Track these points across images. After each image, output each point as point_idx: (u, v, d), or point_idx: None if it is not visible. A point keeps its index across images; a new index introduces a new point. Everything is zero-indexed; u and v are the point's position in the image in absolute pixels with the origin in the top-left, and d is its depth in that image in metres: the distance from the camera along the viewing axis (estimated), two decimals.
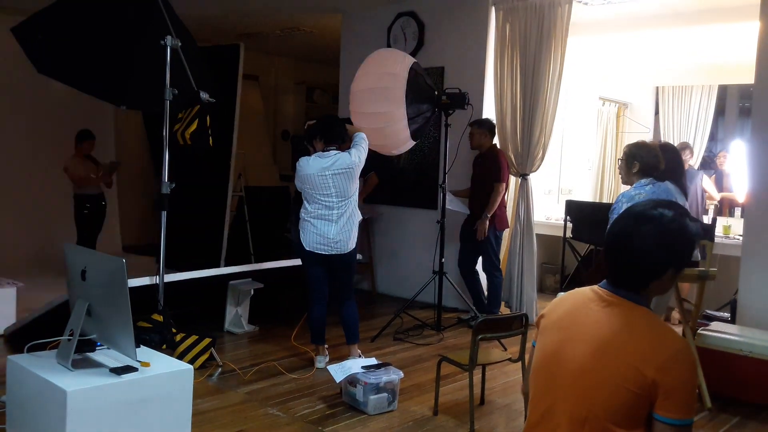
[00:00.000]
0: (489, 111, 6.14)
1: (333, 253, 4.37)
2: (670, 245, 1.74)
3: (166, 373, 2.78)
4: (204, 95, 4.42)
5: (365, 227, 6.82)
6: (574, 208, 6.42)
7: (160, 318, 4.28)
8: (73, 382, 2.56)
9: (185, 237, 7.30)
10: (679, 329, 4.61)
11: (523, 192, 6.00)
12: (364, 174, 5.16)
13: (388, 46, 6.77)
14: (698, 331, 4.30)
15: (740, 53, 6.50)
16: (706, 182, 6.63)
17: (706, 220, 6.49)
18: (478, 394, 3.99)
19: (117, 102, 4.78)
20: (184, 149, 4.89)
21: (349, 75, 6.45)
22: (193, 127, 4.49)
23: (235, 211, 7.80)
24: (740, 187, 6.67)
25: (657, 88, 9.03)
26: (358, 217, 4.50)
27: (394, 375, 3.84)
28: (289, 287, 6.48)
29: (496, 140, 5.82)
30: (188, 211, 7.21)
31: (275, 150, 10.32)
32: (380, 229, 7.03)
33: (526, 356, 3.57)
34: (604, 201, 8.07)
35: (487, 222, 5.55)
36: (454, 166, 5.81)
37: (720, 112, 9.05)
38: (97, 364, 2.76)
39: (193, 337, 4.36)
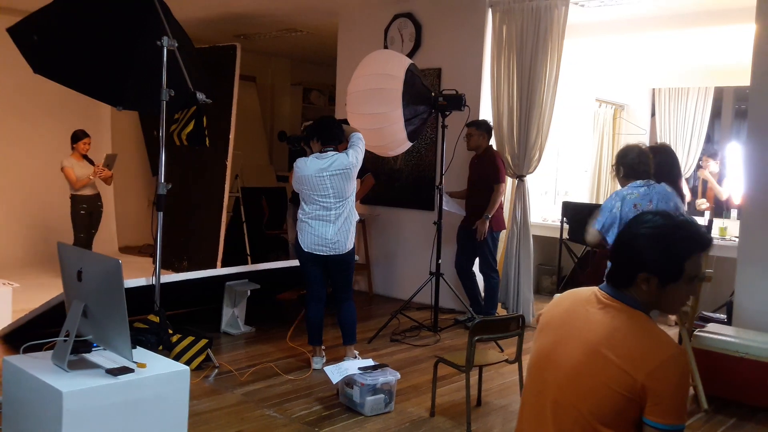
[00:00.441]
0: (486, 112, 6.14)
1: (330, 253, 4.37)
2: (658, 246, 1.75)
3: (163, 374, 2.77)
4: (200, 96, 4.42)
5: (362, 228, 6.82)
6: (571, 210, 6.43)
7: (156, 319, 4.27)
8: (69, 383, 2.55)
9: (182, 238, 7.31)
10: (675, 331, 4.62)
11: (520, 193, 6.00)
12: (360, 175, 5.17)
13: (385, 47, 6.77)
14: (694, 333, 4.30)
15: (736, 55, 6.53)
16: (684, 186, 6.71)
17: (704, 221, 6.51)
18: (475, 396, 3.99)
19: (114, 103, 4.77)
20: (181, 150, 4.90)
21: (345, 76, 6.46)
22: (190, 128, 4.49)
23: (231, 211, 7.80)
24: (736, 189, 6.69)
25: (653, 89, 9.06)
26: (356, 217, 4.50)
27: (390, 376, 3.84)
28: (287, 288, 6.49)
29: (492, 142, 5.82)
30: (185, 212, 7.22)
31: (272, 151, 10.32)
32: (377, 230, 7.03)
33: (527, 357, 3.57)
34: (601, 202, 8.07)
35: (487, 223, 5.55)
36: (450, 168, 5.82)
37: (716, 114, 9.08)
38: (93, 365, 2.75)
39: (190, 338, 4.35)
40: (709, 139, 9.06)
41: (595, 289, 1.88)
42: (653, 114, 9.16)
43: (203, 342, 4.37)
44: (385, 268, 6.98)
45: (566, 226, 6.51)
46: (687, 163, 8.98)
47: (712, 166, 7.17)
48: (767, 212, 4.64)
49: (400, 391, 4.01)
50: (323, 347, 4.63)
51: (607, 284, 1.85)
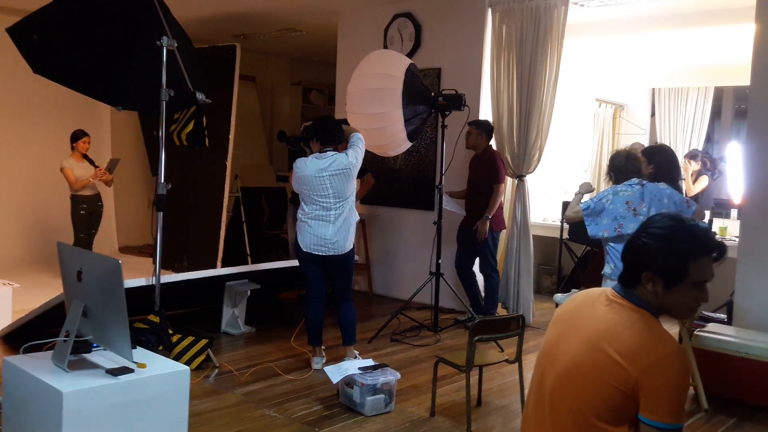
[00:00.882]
0: (485, 112, 6.14)
1: (330, 254, 4.37)
2: (662, 247, 1.76)
3: (163, 375, 2.77)
4: (200, 96, 4.42)
5: (362, 228, 6.82)
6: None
7: (156, 319, 4.27)
8: (69, 384, 2.55)
9: (182, 238, 7.30)
10: (675, 330, 4.62)
11: (520, 193, 6.00)
12: (360, 175, 5.17)
13: (385, 47, 6.77)
14: (695, 333, 4.30)
15: (736, 55, 6.53)
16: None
17: (704, 221, 6.50)
18: (475, 396, 3.99)
19: (113, 102, 4.77)
20: (181, 150, 4.89)
21: (345, 76, 6.45)
22: (189, 127, 4.49)
23: (231, 212, 7.79)
24: (736, 189, 6.70)
25: (653, 89, 9.06)
26: (356, 218, 4.50)
27: (390, 376, 3.83)
28: (287, 288, 6.49)
29: (492, 142, 5.81)
30: (185, 212, 7.21)
31: (272, 151, 10.31)
32: (377, 230, 7.03)
33: None
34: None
35: (487, 223, 5.55)
36: (450, 168, 5.82)
37: (716, 113, 9.09)
38: (93, 366, 2.75)
39: (190, 338, 4.35)
40: (709, 138, 9.07)
41: (607, 289, 1.91)
42: (653, 114, 9.17)
43: (203, 342, 4.37)
44: (385, 268, 6.98)
45: (566, 226, 6.51)
46: None
47: (693, 165, 7.22)
48: (767, 212, 4.64)
49: (400, 391, 4.00)
50: (323, 347, 4.63)
51: (618, 283, 1.87)
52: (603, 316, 1.82)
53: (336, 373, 3.82)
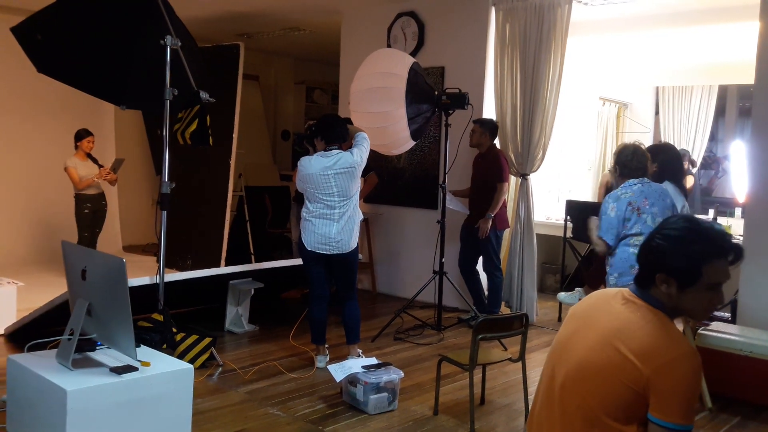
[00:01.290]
0: (489, 111, 6.14)
1: (334, 252, 4.37)
2: (676, 248, 1.76)
3: (167, 373, 2.78)
4: (204, 95, 4.42)
5: (365, 227, 6.82)
6: (575, 208, 6.42)
7: (160, 317, 4.28)
8: (73, 382, 2.56)
9: (186, 237, 7.32)
10: (679, 329, 4.61)
11: (524, 192, 6.00)
12: (364, 174, 5.16)
13: (388, 46, 6.77)
14: (698, 331, 4.30)
15: (740, 53, 6.50)
16: None
17: (708, 220, 6.49)
18: (479, 394, 3.99)
19: (117, 102, 4.78)
20: (185, 149, 4.90)
21: (349, 75, 6.46)
22: (193, 126, 4.49)
23: (235, 210, 7.80)
24: (740, 187, 6.69)
25: (657, 88, 9.03)
26: (359, 217, 4.50)
27: (394, 375, 3.84)
28: (290, 286, 6.49)
29: (496, 141, 5.81)
30: (188, 211, 7.23)
31: (275, 150, 10.32)
32: (380, 229, 7.03)
33: None
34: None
35: (490, 222, 5.55)
36: (454, 166, 5.82)
37: (720, 112, 9.06)
38: (97, 364, 2.76)
39: (194, 337, 4.36)
40: (713, 137, 9.04)
41: (624, 288, 1.91)
42: (657, 112, 9.14)
43: (207, 340, 4.38)
44: (389, 267, 6.98)
45: (570, 225, 6.50)
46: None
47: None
48: None
49: (403, 390, 4.01)
50: (327, 346, 4.63)
51: (634, 283, 1.88)
52: (618, 315, 1.82)
53: (339, 371, 3.82)
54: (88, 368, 2.72)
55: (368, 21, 7.04)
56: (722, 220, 6.59)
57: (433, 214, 6.19)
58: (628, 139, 8.18)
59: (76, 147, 6.56)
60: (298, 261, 4.80)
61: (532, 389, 4.06)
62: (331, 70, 8.41)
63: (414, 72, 5.09)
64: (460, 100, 5.32)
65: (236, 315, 5.32)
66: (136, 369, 2.71)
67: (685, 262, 1.74)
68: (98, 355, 2.85)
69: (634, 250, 3.72)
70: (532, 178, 6.02)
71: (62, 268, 3.04)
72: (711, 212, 6.85)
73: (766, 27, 4.67)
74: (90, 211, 6.57)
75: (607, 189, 6.97)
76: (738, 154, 7.99)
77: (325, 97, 10.47)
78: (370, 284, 7.04)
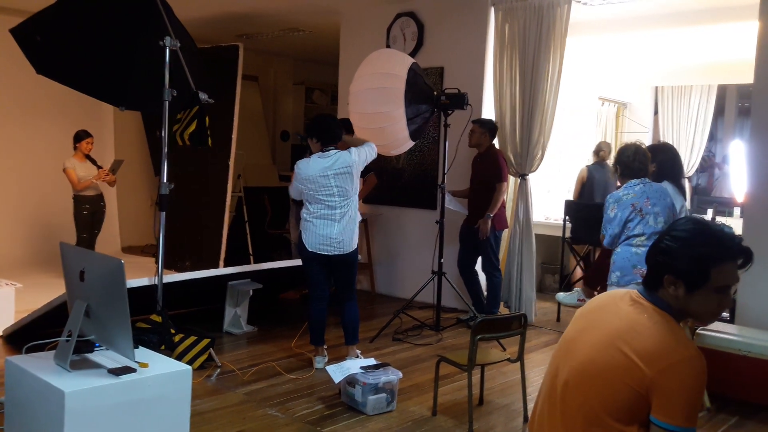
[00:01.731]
0: (488, 111, 6.14)
1: (335, 253, 4.37)
2: (684, 250, 1.75)
3: (165, 374, 2.78)
4: (203, 96, 4.42)
5: (364, 227, 6.82)
6: (574, 209, 6.42)
7: (158, 319, 4.28)
8: (71, 383, 2.55)
9: (184, 238, 7.32)
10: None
11: (522, 192, 6.00)
12: (363, 174, 5.16)
13: (388, 46, 6.77)
14: (697, 331, 4.30)
15: (739, 53, 6.51)
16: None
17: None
18: (477, 395, 3.99)
19: (116, 103, 4.78)
20: (184, 150, 4.90)
21: (348, 75, 6.46)
22: (192, 127, 4.49)
23: (234, 211, 7.80)
24: (739, 187, 6.69)
25: (656, 88, 9.04)
26: (358, 218, 4.50)
27: (392, 375, 3.84)
28: (289, 287, 6.49)
29: (495, 141, 5.81)
30: (187, 212, 7.23)
31: (274, 150, 10.32)
32: (379, 230, 7.03)
33: None
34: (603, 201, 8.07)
35: (489, 222, 5.55)
36: (453, 167, 5.82)
37: (719, 111, 9.07)
38: (95, 365, 2.76)
39: (192, 338, 4.35)
40: (712, 136, 9.05)
41: (632, 290, 1.91)
42: (656, 112, 9.15)
43: (205, 342, 4.38)
44: (388, 268, 6.98)
45: (569, 225, 6.50)
46: (690, 162, 8.97)
47: None
48: None
49: (402, 390, 4.01)
50: (325, 346, 4.63)
51: (642, 284, 1.88)
52: (625, 316, 1.81)
53: (338, 372, 3.82)
54: (86, 370, 2.71)
55: (367, 21, 7.04)
56: (721, 220, 6.58)
57: (432, 214, 6.19)
58: (628, 138, 8.19)
59: (75, 148, 6.56)
60: (297, 262, 4.80)
61: (531, 390, 4.07)
62: (331, 71, 8.41)
63: (413, 72, 5.09)
64: (459, 101, 5.32)
65: (235, 316, 5.32)
66: (134, 370, 2.70)
67: (693, 265, 1.73)
68: (96, 356, 2.85)
69: (637, 250, 3.72)
70: (531, 178, 6.02)
71: (60, 270, 3.03)
72: (710, 212, 6.85)
73: (765, 26, 4.67)
74: (89, 213, 6.57)
75: (582, 184, 7.01)
76: (737, 154, 7.99)
77: (325, 98, 10.46)
78: (369, 285, 7.04)
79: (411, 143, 5.29)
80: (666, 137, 8.97)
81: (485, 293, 5.89)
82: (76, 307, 2.80)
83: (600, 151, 7.05)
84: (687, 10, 5.99)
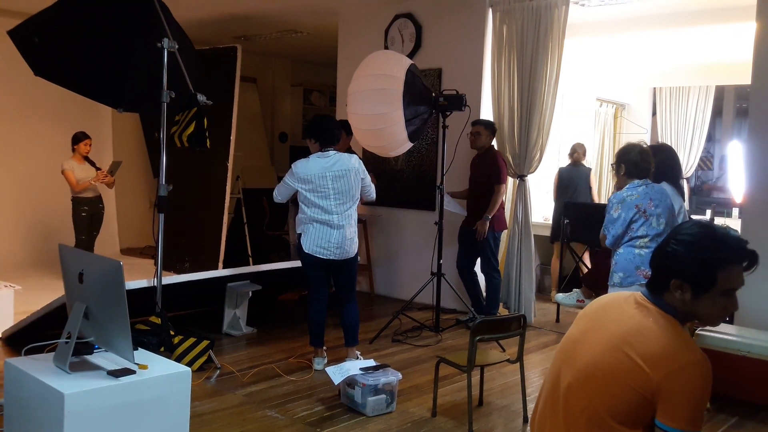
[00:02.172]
0: (486, 112, 6.14)
1: (334, 258, 4.36)
2: (692, 254, 1.74)
3: (164, 376, 2.77)
4: (201, 98, 4.42)
5: (363, 229, 6.82)
6: (572, 210, 6.43)
7: (158, 320, 4.27)
8: (70, 385, 2.55)
9: (183, 239, 7.31)
10: None
11: (521, 193, 6.00)
12: None
13: (386, 47, 6.77)
14: (696, 332, 4.30)
15: (737, 54, 6.52)
16: (593, 179, 7.09)
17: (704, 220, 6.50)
18: (477, 396, 3.98)
19: (114, 104, 4.78)
20: (182, 152, 4.89)
21: (346, 77, 6.46)
22: (191, 129, 4.49)
23: (232, 213, 7.80)
24: (738, 188, 6.71)
25: (654, 89, 9.06)
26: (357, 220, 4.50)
27: (392, 376, 3.84)
28: (288, 289, 6.49)
29: (493, 142, 5.82)
30: (186, 214, 7.22)
31: (273, 152, 10.32)
32: (378, 231, 7.03)
33: None
34: (602, 202, 8.08)
35: (487, 224, 5.55)
36: (451, 168, 5.82)
37: (717, 112, 9.10)
38: (94, 367, 2.76)
39: (191, 340, 4.35)
40: (710, 137, 9.07)
41: (637, 292, 1.90)
42: (654, 113, 9.17)
43: (205, 343, 4.37)
44: (387, 269, 6.98)
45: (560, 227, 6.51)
46: (688, 163, 8.98)
47: None
48: None
49: (401, 392, 4.01)
50: (325, 348, 4.63)
51: (646, 287, 1.86)
52: (630, 319, 1.80)
53: (337, 373, 3.82)
54: (86, 371, 2.71)
55: (365, 23, 7.04)
56: (719, 221, 6.59)
57: (431, 215, 6.19)
58: (626, 139, 8.20)
59: (74, 150, 6.56)
60: (296, 263, 4.80)
61: (531, 390, 4.08)
62: (329, 72, 8.42)
63: (411, 74, 5.09)
64: (457, 102, 5.32)
65: (234, 317, 5.32)
66: (133, 372, 2.70)
67: (700, 269, 1.73)
68: (96, 358, 2.84)
69: (640, 252, 3.72)
70: (530, 179, 6.03)
71: (59, 272, 3.03)
72: (708, 212, 6.86)
73: (762, 27, 4.67)
74: (87, 214, 6.57)
75: (556, 186, 7.05)
76: (735, 155, 8.01)
77: (323, 99, 10.47)
78: (368, 286, 7.04)
79: (409, 144, 5.30)
80: (664, 138, 8.98)
81: (484, 294, 5.89)
82: (75, 309, 2.80)
83: (574, 153, 7.08)
84: (685, 11, 6.00)
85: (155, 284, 4.37)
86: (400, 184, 6.82)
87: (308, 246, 4.34)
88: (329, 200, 4.29)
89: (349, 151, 5.47)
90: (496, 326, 3.67)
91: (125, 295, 2.61)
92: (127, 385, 2.65)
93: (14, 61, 4.85)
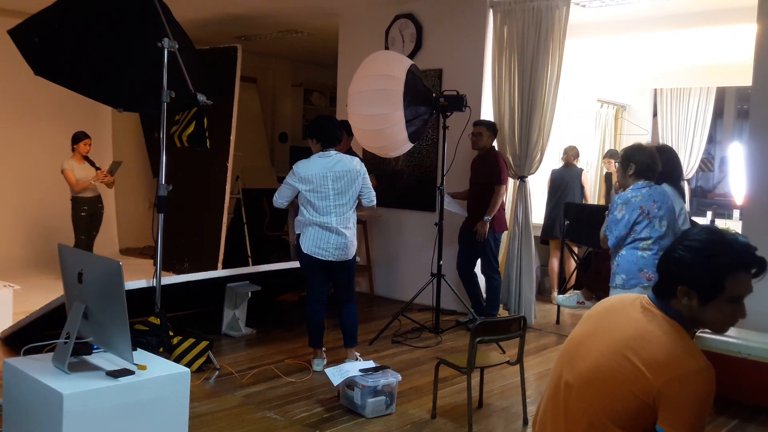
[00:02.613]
0: (487, 113, 6.14)
1: (331, 259, 4.35)
2: (699, 260, 1.72)
3: (163, 376, 2.77)
4: (201, 97, 4.41)
5: (363, 229, 6.81)
6: (573, 211, 6.42)
7: (157, 321, 4.26)
8: (69, 385, 2.54)
9: (183, 239, 7.30)
10: None
11: (522, 194, 6.00)
12: None
13: (386, 48, 6.76)
14: (697, 334, 4.29)
15: (738, 55, 6.52)
16: (584, 179, 7.07)
17: (706, 222, 6.49)
18: (476, 397, 3.98)
19: (114, 104, 4.77)
20: (182, 152, 4.89)
21: (346, 77, 6.45)
22: (191, 129, 4.48)
23: (232, 213, 7.79)
24: (738, 189, 6.70)
25: (655, 90, 9.06)
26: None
27: (392, 378, 3.83)
28: (288, 289, 6.48)
29: (494, 143, 5.81)
30: (186, 214, 7.22)
31: (273, 152, 10.32)
32: (378, 232, 7.02)
33: None
34: (602, 203, 8.08)
35: (487, 225, 5.54)
36: (451, 169, 5.81)
37: (718, 114, 9.10)
38: (93, 367, 2.75)
39: (190, 340, 4.34)
40: (711, 139, 9.07)
41: (642, 296, 1.88)
42: (655, 114, 9.17)
43: (204, 344, 4.36)
44: (387, 270, 6.97)
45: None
46: (689, 164, 8.98)
47: (614, 165, 7.31)
48: None
49: (401, 393, 4.00)
50: (324, 349, 4.62)
51: (652, 292, 1.84)
52: (635, 323, 1.78)
53: (337, 375, 3.81)
54: (85, 372, 2.70)
55: (366, 23, 7.04)
56: (720, 222, 6.59)
57: (431, 216, 6.18)
58: (627, 140, 8.21)
59: (73, 150, 6.55)
60: (296, 264, 4.79)
61: (530, 392, 4.07)
62: (329, 73, 8.41)
63: (412, 74, 5.09)
64: (457, 103, 5.32)
65: (233, 318, 5.31)
66: (132, 372, 2.70)
67: (707, 276, 1.70)
68: (95, 358, 2.84)
69: (643, 254, 3.71)
70: (531, 180, 6.02)
71: (59, 272, 3.02)
72: (709, 214, 6.86)
73: (763, 29, 4.67)
74: (87, 214, 6.56)
75: (549, 186, 7.08)
76: (736, 156, 8.01)
77: (323, 100, 10.47)
78: (368, 287, 7.03)
79: (410, 145, 5.29)
80: (665, 139, 8.98)
81: (484, 295, 5.88)
82: (74, 309, 2.79)
83: (565, 154, 7.09)
84: (686, 13, 6.00)
85: (154, 284, 4.37)
86: (401, 184, 6.81)
87: (307, 247, 4.34)
88: (328, 201, 4.29)
89: (350, 152, 5.47)
90: (496, 328, 3.66)
91: (124, 296, 2.61)
92: (126, 385, 2.65)
93: (14, 61, 4.84)
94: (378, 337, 5.28)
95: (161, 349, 4.07)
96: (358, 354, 4.61)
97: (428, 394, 3.98)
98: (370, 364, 3.97)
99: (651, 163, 3.79)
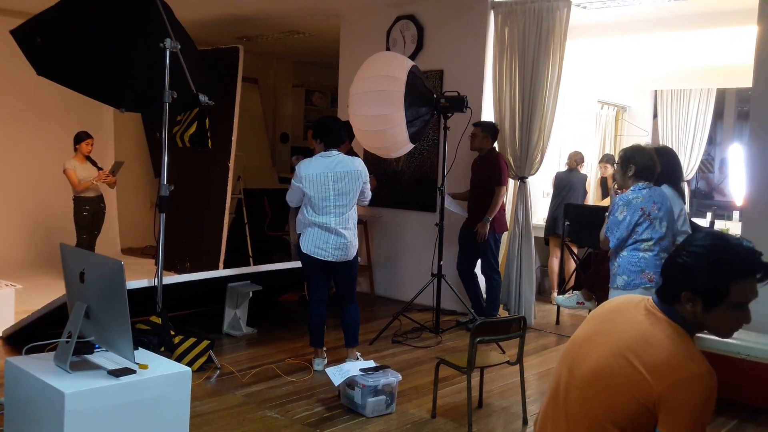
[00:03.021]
0: (488, 114, 6.15)
1: (331, 259, 4.36)
2: (704, 266, 1.71)
3: (164, 376, 2.78)
4: (203, 98, 4.42)
5: (364, 230, 6.82)
6: (573, 211, 6.43)
7: (158, 320, 4.28)
8: (71, 384, 2.55)
9: (184, 239, 7.32)
10: None
11: (522, 195, 6.01)
12: None
13: (387, 49, 6.77)
14: (696, 335, 4.29)
15: (738, 57, 6.52)
16: (589, 185, 7.16)
17: (705, 223, 6.50)
18: (476, 397, 3.98)
19: (117, 104, 4.78)
20: (183, 152, 4.90)
21: (348, 78, 6.46)
22: (192, 129, 4.50)
23: (233, 213, 7.80)
24: (738, 191, 6.71)
25: (655, 91, 9.06)
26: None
27: (392, 377, 3.84)
28: (289, 289, 6.50)
29: (495, 144, 5.82)
30: (187, 214, 7.23)
31: (274, 152, 10.33)
32: (379, 232, 7.03)
33: None
34: (602, 203, 8.08)
35: (488, 226, 5.55)
36: (452, 169, 5.82)
37: (718, 115, 9.09)
38: (95, 367, 2.76)
39: (192, 340, 4.35)
40: (711, 140, 9.07)
41: (646, 298, 1.88)
42: (655, 115, 9.17)
43: (205, 343, 4.38)
44: (387, 270, 6.98)
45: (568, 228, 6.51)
46: (689, 165, 8.98)
47: (609, 169, 7.34)
48: None
49: (401, 393, 4.01)
50: (325, 349, 4.63)
51: (656, 295, 1.84)
52: (638, 325, 1.78)
53: (337, 374, 3.82)
54: (86, 371, 2.71)
55: (367, 24, 7.05)
56: (720, 224, 6.59)
57: (431, 216, 6.19)
58: (627, 142, 8.21)
59: (75, 149, 6.56)
60: (297, 264, 4.80)
61: (530, 392, 4.08)
62: (330, 73, 8.42)
63: (413, 75, 5.10)
64: (458, 104, 5.33)
65: (234, 318, 5.32)
66: (134, 372, 2.71)
67: (712, 282, 1.69)
68: (96, 357, 2.85)
69: (644, 255, 3.72)
70: (531, 181, 6.03)
71: (60, 271, 3.04)
72: (708, 215, 6.86)
73: (763, 30, 4.68)
74: (89, 214, 6.57)
75: (554, 187, 7.10)
76: (736, 157, 8.01)
77: (325, 100, 10.48)
78: (369, 287, 7.04)
79: (410, 146, 5.30)
80: (665, 141, 8.99)
81: (484, 296, 5.89)
82: (76, 309, 2.80)
83: (568, 159, 7.12)
84: (686, 14, 6.01)
85: (156, 284, 4.38)
86: (401, 185, 6.82)
87: (307, 247, 4.35)
88: (328, 201, 4.29)
89: (351, 152, 5.48)
90: (496, 328, 3.67)
91: (126, 295, 2.62)
92: (127, 384, 2.65)
93: (17, 61, 4.85)
94: (378, 337, 5.29)
95: (162, 349, 4.09)
96: (358, 354, 4.62)
97: (428, 394, 3.99)
98: (371, 363, 3.98)
99: (650, 165, 3.79)
